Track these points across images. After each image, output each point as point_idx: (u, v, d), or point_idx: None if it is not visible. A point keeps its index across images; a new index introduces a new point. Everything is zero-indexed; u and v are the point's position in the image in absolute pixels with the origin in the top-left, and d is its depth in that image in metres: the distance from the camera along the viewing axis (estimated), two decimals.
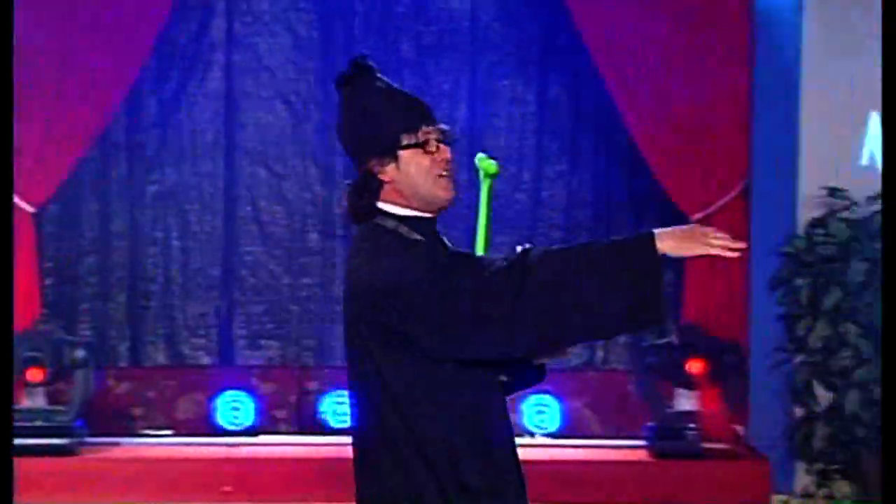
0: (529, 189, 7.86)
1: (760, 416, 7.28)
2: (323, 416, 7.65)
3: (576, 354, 7.79)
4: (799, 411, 7.05)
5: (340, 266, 7.81)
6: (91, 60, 7.36)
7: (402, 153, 3.09)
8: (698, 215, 7.30)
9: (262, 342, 7.87)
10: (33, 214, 7.44)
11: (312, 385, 7.84)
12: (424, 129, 3.11)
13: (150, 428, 7.63)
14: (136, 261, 7.81)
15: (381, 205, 3.10)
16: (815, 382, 6.98)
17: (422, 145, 3.10)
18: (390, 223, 3.09)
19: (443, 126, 3.13)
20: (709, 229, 2.96)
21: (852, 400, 6.81)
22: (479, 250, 3.20)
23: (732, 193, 7.46)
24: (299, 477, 6.97)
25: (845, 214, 7.00)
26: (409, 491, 3.01)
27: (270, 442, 7.51)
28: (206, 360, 7.82)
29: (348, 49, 7.75)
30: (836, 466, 6.97)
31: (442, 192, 3.11)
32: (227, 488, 6.89)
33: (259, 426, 7.62)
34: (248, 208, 7.85)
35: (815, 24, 7.23)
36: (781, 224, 7.19)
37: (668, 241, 2.91)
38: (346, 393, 7.76)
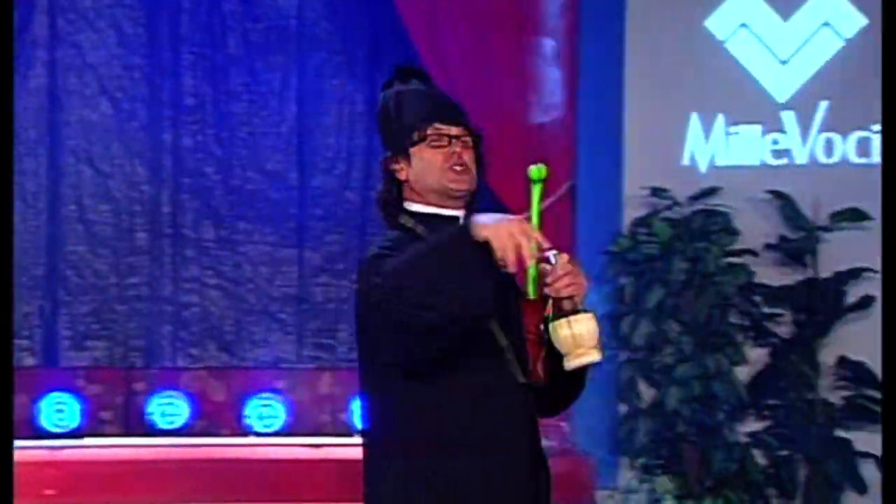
0: (359, 188, 7.88)
1: (585, 413, 7.39)
2: (150, 417, 7.56)
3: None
4: (623, 408, 7.18)
5: (168, 265, 7.74)
6: None
7: (412, 150, 3.25)
8: (525, 215, 7.37)
9: (88, 343, 7.74)
10: None
11: (140, 386, 7.74)
12: (435, 126, 3.25)
13: None
14: None
15: (406, 204, 3.28)
16: (638, 379, 7.12)
17: (426, 140, 3.24)
18: (410, 222, 3.25)
19: (453, 129, 3.26)
20: (525, 229, 3.03)
21: (674, 396, 6.96)
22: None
23: (559, 193, 7.56)
24: (126, 479, 6.88)
25: (667, 214, 7.15)
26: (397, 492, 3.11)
27: (96, 444, 7.40)
28: (29, 362, 7.67)
29: (175, 46, 7.68)
30: (658, 462, 7.11)
31: (451, 183, 3.24)
32: (50, 492, 6.78)
33: (85, 428, 7.50)
34: (73, 207, 7.72)
35: (638, 25, 7.38)
36: (607, 224, 7.32)
37: (484, 231, 2.99)
38: (173, 394, 7.72)
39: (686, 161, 7.36)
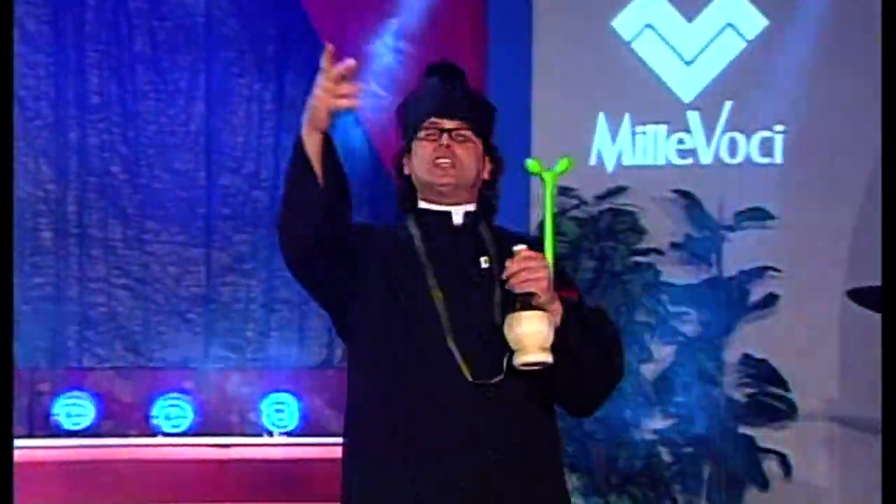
0: (269, 187, 7.86)
1: None
2: (56, 418, 7.49)
3: (314, 353, 7.84)
4: None
5: (74, 264, 7.67)
6: None
7: (413, 145, 3.29)
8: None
9: None
10: None
11: (44, 386, 7.67)
12: (431, 119, 3.26)
13: None
14: None
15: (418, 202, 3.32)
16: None
17: (423, 134, 3.26)
18: (412, 218, 3.30)
19: (447, 122, 3.25)
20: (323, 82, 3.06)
21: None
22: (549, 255, 3.14)
23: None
24: (31, 481, 6.81)
25: (575, 213, 7.19)
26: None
27: None
28: None
29: (79, 44, 7.61)
30: (564, 460, 7.16)
31: (433, 176, 3.24)
32: None
33: None
34: None
35: (545, 26, 7.42)
36: (514, 223, 7.34)
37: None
38: (79, 394, 7.61)
39: (593, 161, 7.41)
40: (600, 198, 7.20)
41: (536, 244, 3.13)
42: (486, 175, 3.36)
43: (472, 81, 7.44)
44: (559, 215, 7.22)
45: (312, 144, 3.08)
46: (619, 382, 3.26)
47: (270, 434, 7.54)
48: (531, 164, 3.28)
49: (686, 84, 7.45)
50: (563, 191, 7.19)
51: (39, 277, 7.69)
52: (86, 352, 7.68)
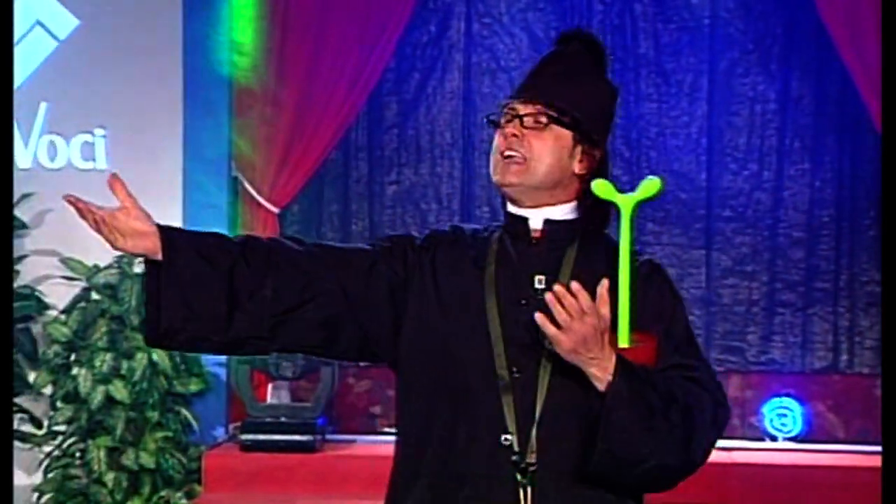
0: (771, 188, 7.74)
1: None
2: None
3: (819, 357, 7.64)
4: None
5: None
6: None
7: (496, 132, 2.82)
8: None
9: None
10: (277, 215, 7.61)
11: None
12: (509, 105, 2.80)
13: (389, 426, 7.73)
14: None
15: None
16: None
17: (500, 121, 2.80)
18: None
19: (520, 107, 2.76)
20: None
21: None
22: (625, 300, 2.59)
23: None
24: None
25: None
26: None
27: None
28: None
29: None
30: None
31: (498, 174, 2.77)
32: None
33: None
34: None
35: None
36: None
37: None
38: None
39: None
40: None
41: (648, 268, 2.74)
42: (577, 169, 2.77)
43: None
44: None
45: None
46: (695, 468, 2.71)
47: (774, 439, 7.40)
48: (600, 186, 2.65)
49: None
50: None
51: None
52: None
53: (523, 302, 2.69)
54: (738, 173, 7.73)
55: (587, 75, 2.80)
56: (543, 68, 2.81)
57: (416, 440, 2.79)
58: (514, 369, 2.67)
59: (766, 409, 7.46)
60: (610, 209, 2.73)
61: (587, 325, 2.50)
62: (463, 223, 7.82)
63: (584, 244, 2.78)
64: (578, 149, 2.76)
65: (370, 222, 7.88)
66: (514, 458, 2.64)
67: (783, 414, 7.45)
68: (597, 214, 2.78)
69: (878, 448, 7.17)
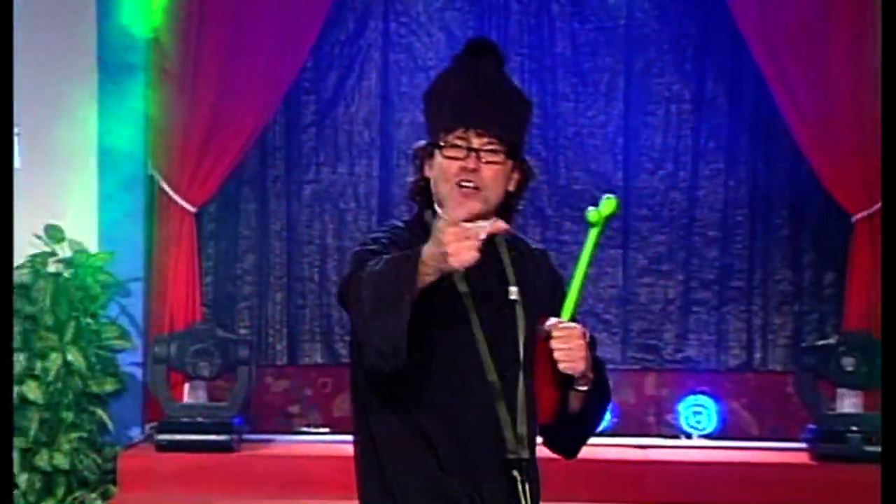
0: (687, 188, 7.80)
1: None
2: None
3: (734, 355, 7.71)
4: None
5: None
6: None
7: (435, 152, 2.96)
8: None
9: None
10: (195, 214, 7.55)
11: None
12: (457, 133, 2.92)
13: (307, 425, 7.69)
14: (293, 260, 7.87)
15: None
16: None
17: (446, 146, 2.92)
18: (431, 219, 2.95)
19: (475, 140, 2.90)
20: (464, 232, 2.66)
21: None
22: (571, 307, 3.00)
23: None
24: None
25: None
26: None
27: None
28: None
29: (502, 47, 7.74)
30: None
31: (455, 205, 2.91)
32: None
33: None
34: None
35: None
36: None
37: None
38: None
39: None
40: None
41: (542, 257, 3.14)
42: (511, 187, 3.01)
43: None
44: None
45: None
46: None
47: (689, 436, 7.46)
48: (595, 214, 2.96)
49: None
50: None
51: None
52: None
53: (503, 312, 2.97)
54: (653, 173, 7.79)
55: (510, 94, 3.01)
56: (469, 90, 2.94)
57: (407, 443, 2.91)
58: (502, 371, 2.92)
59: (681, 406, 7.52)
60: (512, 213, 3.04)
61: (583, 346, 2.92)
62: (382, 223, 7.85)
63: (511, 246, 3.07)
64: (514, 169, 3.00)
65: (288, 221, 7.85)
66: (510, 455, 2.90)
67: (698, 412, 7.52)
68: (510, 217, 3.04)
69: (791, 444, 7.31)
